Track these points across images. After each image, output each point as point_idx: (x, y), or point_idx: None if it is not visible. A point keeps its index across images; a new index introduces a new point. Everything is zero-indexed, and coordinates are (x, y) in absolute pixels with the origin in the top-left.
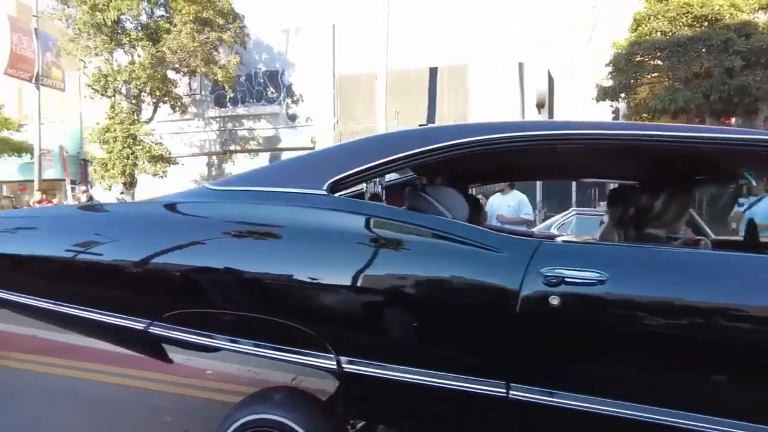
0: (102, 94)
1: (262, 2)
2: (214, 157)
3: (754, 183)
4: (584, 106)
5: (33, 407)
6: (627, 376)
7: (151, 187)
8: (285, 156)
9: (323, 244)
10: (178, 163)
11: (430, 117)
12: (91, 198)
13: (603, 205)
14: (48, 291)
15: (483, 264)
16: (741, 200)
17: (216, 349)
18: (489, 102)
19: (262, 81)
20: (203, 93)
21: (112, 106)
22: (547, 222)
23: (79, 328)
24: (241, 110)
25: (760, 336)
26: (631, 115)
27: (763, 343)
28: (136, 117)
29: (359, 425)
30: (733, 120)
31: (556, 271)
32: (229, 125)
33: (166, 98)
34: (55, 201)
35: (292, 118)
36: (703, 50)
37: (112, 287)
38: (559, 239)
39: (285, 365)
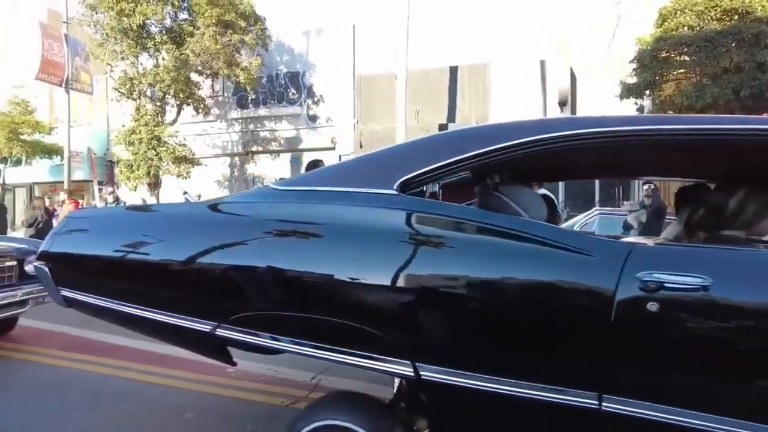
0: (128, 97)
1: (283, 4)
2: (237, 158)
3: None
4: (607, 103)
5: (58, 402)
6: (734, 391)
7: (174, 188)
8: (306, 157)
9: (401, 246)
10: (201, 164)
11: (451, 116)
12: (117, 199)
13: (626, 205)
14: (119, 292)
15: (575, 268)
16: None
17: (278, 351)
18: (510, 101)
19: (283, 82)
20: (225, 95)
21: (138, 109)
22: (570, 221)
23: (144, 329)
24: (262, 111)
25: None
26: (656, 113)
27: None
28: (160, 119)
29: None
30: (765, 116)
31: (653, 275)
32: (251, 126)
33: (190, 100)
34: (82, 202)
35: (313, 118)
36: (733, 44)
37: (182, 289)
38: (649, 242)
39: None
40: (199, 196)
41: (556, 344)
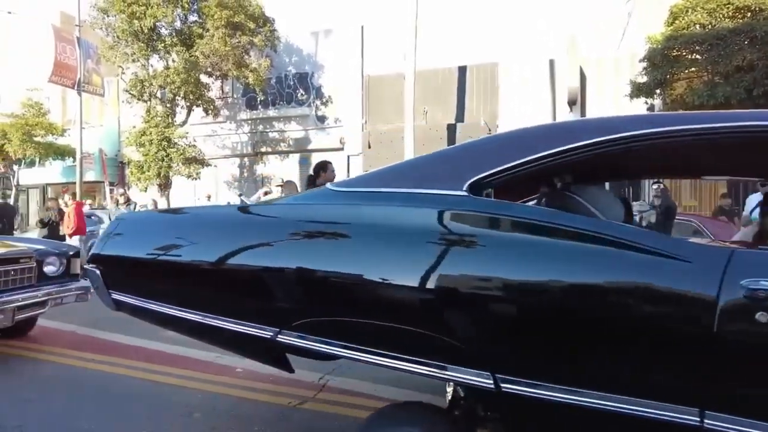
0: (138, 99)
1: (292, 5)
2: (246, 159)
3: None
4: (617, 103)
5: (68, 400)
6: None
7: (184, 189)
8: (315, 157)
9: (480, 251)
10: (210, 165)
11: (459, 116)
12: (128, 200)
13: (636, 206)
14: (175, 297)
15: (672, 276)
16: None
17: (337, 357)
18: (519, 100)
19: (292, 83)
20: (235, 96)
21: (148, 110)
22: None
23: (201, 335)
24: (271, 112)
25: None
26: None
27: None
28: (170, 120)
29: None
30: None
31: (760, 283)
32: (260, 127)
33: (199, 102)
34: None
35: (322, 119)
36: (746, 42)
37: (245, 295)
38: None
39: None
40: (209, 196)
41: (651, 356)
